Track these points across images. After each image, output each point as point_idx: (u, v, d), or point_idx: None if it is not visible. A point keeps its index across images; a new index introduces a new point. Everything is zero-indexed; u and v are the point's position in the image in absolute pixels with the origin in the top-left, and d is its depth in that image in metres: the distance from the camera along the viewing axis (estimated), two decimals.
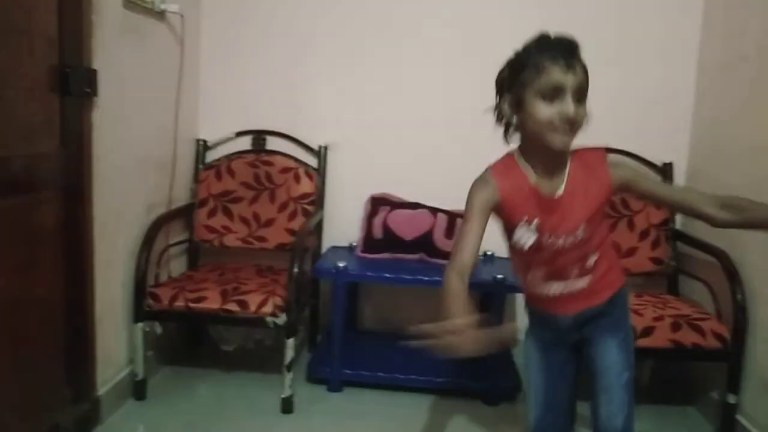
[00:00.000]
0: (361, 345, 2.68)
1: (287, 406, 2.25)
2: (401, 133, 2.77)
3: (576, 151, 1.36)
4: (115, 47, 2.09)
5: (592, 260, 1.39)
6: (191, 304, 2.23)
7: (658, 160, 2.67)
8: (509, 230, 1.39)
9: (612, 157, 1.41)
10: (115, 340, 2.23)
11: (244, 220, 2.68)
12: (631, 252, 2.53)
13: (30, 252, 1.77)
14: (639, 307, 2.24)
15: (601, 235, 1.41)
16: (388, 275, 2.44)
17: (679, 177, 2.67)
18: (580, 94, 1.26)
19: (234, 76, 2.83)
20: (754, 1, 2.24)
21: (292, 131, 2.80)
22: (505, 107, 1.34)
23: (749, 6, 2.27)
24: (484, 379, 2.37)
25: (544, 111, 1.25)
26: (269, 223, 2.67)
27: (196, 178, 2.74)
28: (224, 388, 2.43)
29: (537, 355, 1.53)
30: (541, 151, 1.31)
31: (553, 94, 1.24)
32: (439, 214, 2.61)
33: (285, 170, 2.71)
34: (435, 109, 2.74)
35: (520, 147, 1.37)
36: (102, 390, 2.12)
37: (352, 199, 2.76)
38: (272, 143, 2.80)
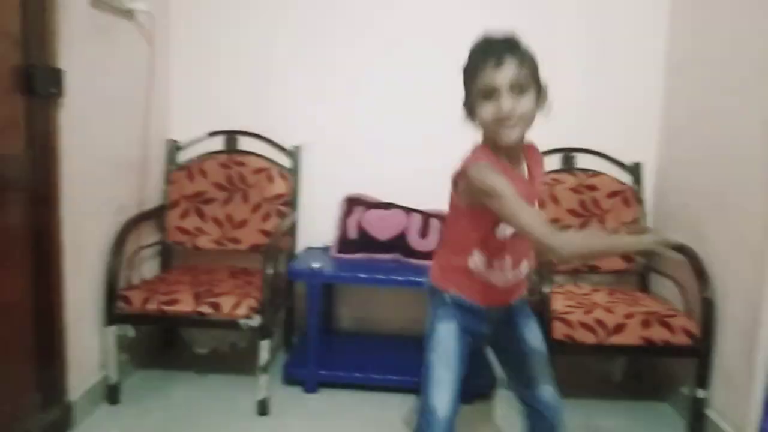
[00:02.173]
0: (336, 346, 2.67)
1: (263, 408, 2.24)
2: (375, 133, 2.76)
3: (530, 145, 1.47)
4: (82, 46, 2.05)
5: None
6: (164, 307, 2.21)
7: (628, 160, 2.70)
8: (498, 219, 1.36)
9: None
10: (87, 343, 2.19)
11: (217, 222, 2.66)
12: None
13: None
14: (611, 304, 2.27)
15: None
16: (363, 276, 2.44)
17: (649, 177, 2.71)
18: (520, 88, 1.29)
19: (206, 75, 2.80)
20: (721, 2, 2.28)
21: (264, 131, 2.78)
22: (464, 110, 1.40)
23: (716, 7, 2.31)
24: None
25: (485, 110, 1.31)
26: (242, 224, 2.65)
27: (168, 179, 2.71)
28: (199, 391, 2.41)
29: (455, 338, 1.49)
30: (493, 143, 1.37)
31: (490, 93, 1.29)
32: (414, 214, 2.62)
33: (258, 171, 2.70)
34: (409, 109, 2.75)
35: (485, 141, 1.40)
36: (74, 395, 2.09)
37: (326, 199, 2.75)
38: (245, 143, 2.78)
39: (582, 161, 2.71)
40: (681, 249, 2.30)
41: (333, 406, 2.33)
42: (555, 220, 2.57)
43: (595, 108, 2.71)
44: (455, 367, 1.47)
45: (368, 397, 2.39)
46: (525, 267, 1.51)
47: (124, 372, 2.35)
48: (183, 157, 2.78)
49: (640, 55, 2.70)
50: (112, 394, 2.26)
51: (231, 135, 2.78)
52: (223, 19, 2.77)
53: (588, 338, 2.11)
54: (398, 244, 2.59)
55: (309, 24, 2.75)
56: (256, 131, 2.78)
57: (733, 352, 2.06)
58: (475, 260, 1.45)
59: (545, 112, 1.38)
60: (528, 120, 1.34)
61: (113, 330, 2.23)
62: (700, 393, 2.14)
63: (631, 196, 2.61)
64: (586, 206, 2.60)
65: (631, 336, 2.12)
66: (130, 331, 2.32)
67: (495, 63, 1.27)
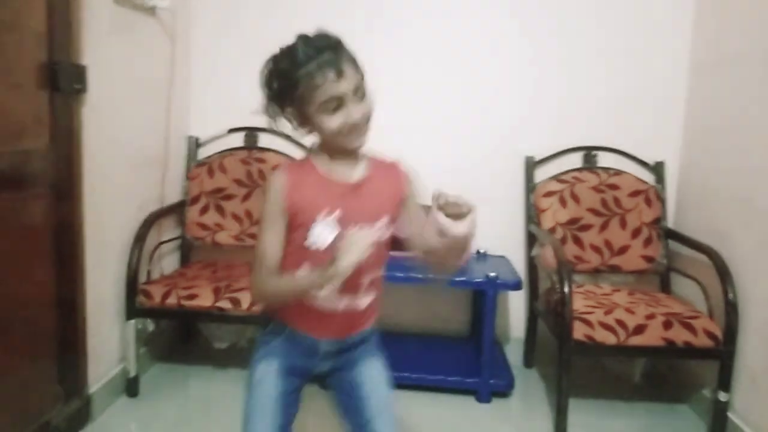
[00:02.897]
0: None
1: None
2: (392, 129, 2.74)
3: (372, 156, 1.35)
4: (105, 43, 2.07)
5: (378, 273, 1.34)
6: (183, 302, 2.22)
7: (651, 159, 2.67)
8: (303, 229, 1.25)
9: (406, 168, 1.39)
10: (107, 337, 2.22)
11: (237, 218, 2.67)
12: (623, 250, 2.53)
13: (19, 250, 1.76)
14: (631, 305, 2.24)
15: (387, 251, 1.35)
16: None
17: (671, 176, 2.67)
18: (358, 92, 1.23)
19: (226, 72, 2.82)
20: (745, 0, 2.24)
21: (283, 128, 2.77)
22: (289, 117, 1.31)
23: (741, 4, 2.27)
24: (476, 377, 2.37)
25: (331, 122, 1.22)
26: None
27: (188, 175, 2.73)
28: (217, 386, 2.43)
29: (275, 380, 1.33)
30: (335, 149, 1.29)
31: (335, 105, 1.21)
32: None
33: (277, 167, 2.69)
34: (425, 106, 2.73)
35: (321, 146, 1.32)
36: (94, 387, 2.11)
37: None
38: (265, 140, 2.79)
39: (604, 160, 2.68)
40: (705, 249, 2.27)
41: None
42: (575, 219, 2.55)
43: (618, 106, 2.69)
44: (273, 416, 1.31)
45: None
46: (364, 292, 1.31)
47: (143, 365, 2.37)
48: (203, 153, 2.79)
49: (664, 53, 2.66)
50: (131, 387, 2.28)
51: (251, 132, 2.79)
52: (243, 16, 2.78)
53: (608, 339, 2.09)
54: None
55: (329, 21, 2.74)
56: (275, 128, 2.78)
57: (756, 355, 2.03)
58: None
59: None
60: (369, 121, 1.27)
61: (133, 324, 2.25)
62: (722, 396, 2.10)
63: (653, 196, 2.57)
64: (607, 205, 2.57)
65: (652, 337, 2.09)
66: (149, 325, 2.34)
67: (335, 74, 1.18)
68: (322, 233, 1.25)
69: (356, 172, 1.31)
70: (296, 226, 1.26)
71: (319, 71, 1.19)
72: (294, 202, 1.26)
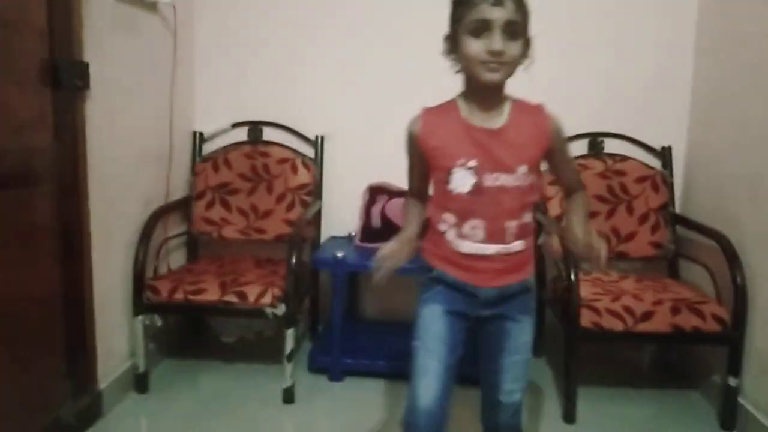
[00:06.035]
0: (361, 334, 2.68)
1: (288, 396, 2.25)
2: (398, 121, 2.73)
3: (517, 99, 1.34)
4: (107, 39, 2.07)
5: (527, 218, 1.33)
6: (190, 297, 2.23)
7: (657, 144, 2.65)
8: (443, 173, 1.31)
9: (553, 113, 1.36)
10: (116, 333, 2.23)
11: (242, 212, 2.68)
12: (631, 236, 2.52)
13: (26, 247, 1.77)
14: (639, 291, 2.23)
15: (536, 194, 1.35)
16: None
17: (678, 161, 2.65)
18: (512, 31, 1.22)
19: (229, 67, 2.82)
20: None
21: (288, 122, 2.79)
22: (446, 44, 1.33)
23: None
24: None
25: (472, 46, 1.23)
26: (267, 214, 2.67)
27: (193, 171, 2.73)
28: (226, 380, 2.44)
29: (443, 324, 1.37)
30: (476, 88, 1.29)
31: (481, 29, 1.21)
32: None
33: (282, 161, 2.70)
34: (432, 97, 2.72)
35: (463, 87, 1.35)
36: (103, 383, 2.12)
37: (349, 188, 2.74)
38: (269, 134, 2.79)
39: (610, 146, 2.66)
40: (713, 234, 2.25)
41: (358, 395, 2.34)
42: None
43: (623, 92, 2.67)
44: (441, 354, 1.36)
45: (393, 386, 2.39)
46: (513, 237, 1.32)
47: (151, 361, 2.38)
48: (208, 148, 2.80)
49: (668, 38, 2.64)
50: (140, 382, 2.29)
51: (255, 126, 2.79)
52: (245, 10, 2.78)
53: (616, 325, 2.08)
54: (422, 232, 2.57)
55: (333, 15, 2.74)
56: (280, 122, 2.79)
57: (765, 339, 2.01)
58: (447, 226, 1.33)
59: (526, 66, 1.30)
60: (513, 66, 1.26)
61: (141, 319, 2.26)
62: (732, 381, 2.09)
63: (660, 181, 2.55)
64: (614, 192, 2.55)
65: (661, 323, 2.08)
66: (157, 320, 2.35)
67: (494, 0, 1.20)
68: (460, 180, 1.29)
69: (499, 118, 1.30)
70: (436, 168, 1.33)
71: None
72: (431, 147, 1.32)
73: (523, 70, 1.29)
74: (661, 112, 2.67)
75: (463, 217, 1.31)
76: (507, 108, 1.32)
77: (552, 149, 1.34)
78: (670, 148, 2.64)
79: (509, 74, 1.27)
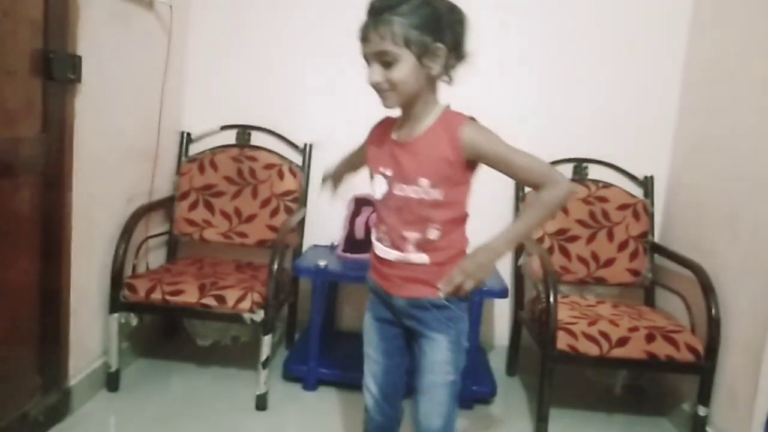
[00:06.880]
0: (337, 345, 2.67)
1: (261, 403, 2.23)
2: None
3: (449, 113, 1.34)
4: (101, 34, 2.06)
5: (433, 234, 1.32)
6: (168, 297, 2.21)
7: (640, 173, 2.70)
8: (371, 178, 1.42)
9: (474, 122, 1.33)
10: (90, 330, 2.20)
11: (225, 215, 2.67)
12: (609, 263, 2.56)
13: (5, 237, 1.74)
14: (615, 317, 2.26)
15: (453, 213, 1.34)
16: None
17: (660, 190, 2.70)
18: (385, 61, 1.25)
19: (221, 69, 2.81)
20: (738, 18, 2.28)
21: (277, 127, 2.79)
22: None
23: (735, 24, 2.30)
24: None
25: (367, 77, 1.30)
26: (251, 218, 2.66)
27: (179, 171, 2.72)
28: (198, 383, 2.41)
29: (374, 330, 1.46)
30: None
31: (367, 62, 1.30)
32: None
33: (269, 166, 2.70)
34: None
35: None
36: (74, 380, 2.09)
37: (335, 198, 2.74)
38: (257, 138, 2.79)
39: (594, 172, 2.70)
40: (689, 265, 2.29)
41: (330, 405, 2.33)
42: (563, 230, 2.56)
43: (609, 120, 2.71)
44: (378, 359, 1.46)
45: None
46: (414, 248, 1.33)
47: (124, 360, 2.35)
48: (195, 149, 2.79)
49: (656, 70, 2.69)
50: (111, 381, 2.26)
51: (244, 129, 2.79)
52: (240, 14, 2.78)
53: (591, 350, 2.10)
54: None
55: (324, 21, 2.76)
56: (269, 127, 2.79)
57: (737, 371, 2.05)
58: (375, 228, 1.43)
59: (448, 81, 1.33)
60: (403, 88, 1.26)
61: (116, 317, 2.23)
62: (702, 410, 2.12)
63: (641, 210, 2.60)
64: (596, 218, 2.59)
65: (635, 350, 2.11)
66: (133, 319, 2.32)
67: (362, 34, 1.28)
68: (377, 186, 1.39)
69: (415, 131, 1.34)
70: (370, 169, 1.43)
71: (360, 31, 1.29)
72: (369, 150, 1.44)
73: (448, 85, 1.34)
74: (646, 141, 2.72)
75: (379, 220, 1.41)
76: (430, 121, 1.33)
77: (476, 158, 1.31)
78: (652, 177, 2.68)
79: (405, 96, 1.29)
